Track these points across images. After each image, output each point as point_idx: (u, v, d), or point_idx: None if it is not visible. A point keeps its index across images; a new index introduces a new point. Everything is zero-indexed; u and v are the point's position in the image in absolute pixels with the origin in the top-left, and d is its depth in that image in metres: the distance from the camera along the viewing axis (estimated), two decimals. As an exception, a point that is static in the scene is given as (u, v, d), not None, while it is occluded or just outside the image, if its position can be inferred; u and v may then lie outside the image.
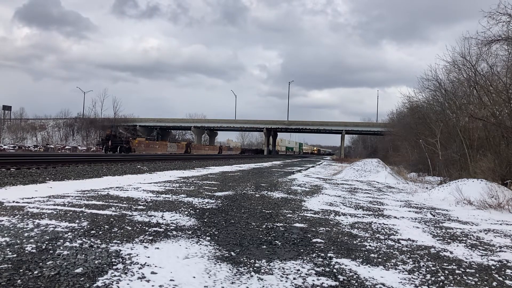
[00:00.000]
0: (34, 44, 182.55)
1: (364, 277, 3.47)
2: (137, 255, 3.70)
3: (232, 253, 3.98)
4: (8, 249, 3.58)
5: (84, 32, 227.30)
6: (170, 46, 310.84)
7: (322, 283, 3.24)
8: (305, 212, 7.09)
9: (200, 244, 4.27)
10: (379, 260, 4.08)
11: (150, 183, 10.75)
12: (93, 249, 3.78)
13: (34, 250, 3.59)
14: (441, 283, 3.43)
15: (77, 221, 4.99)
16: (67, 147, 53.61)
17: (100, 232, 4.46)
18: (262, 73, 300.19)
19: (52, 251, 3.60)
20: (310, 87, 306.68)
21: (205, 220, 5.67)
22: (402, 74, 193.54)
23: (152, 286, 2.97)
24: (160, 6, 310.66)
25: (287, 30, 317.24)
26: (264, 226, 5.50)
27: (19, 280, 2.86)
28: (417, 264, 3.99)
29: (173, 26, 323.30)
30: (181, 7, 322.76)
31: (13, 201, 6.27)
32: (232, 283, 3.13)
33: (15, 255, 3.41)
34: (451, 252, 4.60)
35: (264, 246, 4.33)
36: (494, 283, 3.51)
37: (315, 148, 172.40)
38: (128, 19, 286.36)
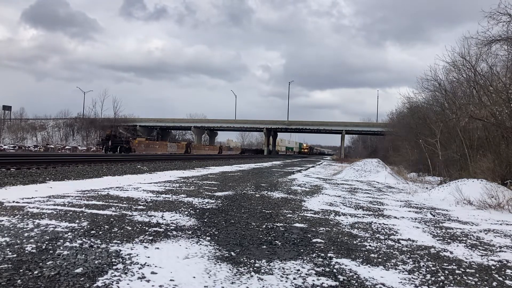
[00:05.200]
0: (39, 45, 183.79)
1: (364, 277, 3.47)
2: (137, 255, 3.70)
3: (232, 253, 3.98)
4: (8, 249, 3.58)
5: (90, 33, 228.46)
6: (173, 47, 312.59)
7: (322, 283, 3.24)
8: (305, 212, 7.09)
9: (200, 244, 4.27)
10: (379, 260, 4.08)
11: (150, 183, 10.75)
12: (93, 249, 3.78)
13: (34, 250, 3.59)
14: (441, 283, 3.43)
15: (77, 221, 4.99)
16: (67, 147, 53.60)
17: (100, 232, 4.46)
18: (265, 73, 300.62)
19: (52, 251, 3.60)
20: (312, 87, 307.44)
21: (205, 220, 5.67)
22: (404, 74, 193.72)
23: (152, 286, 2.97)
24: (167, 8, 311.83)
25: (290, 31, 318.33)
26: (264, 226, 5.50)
27: (19, 280, 2.86)
28: (417, 264, 3.99)
29: (178, 28, 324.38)
30: (188, 9, 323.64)
31: (13, 201, 6.27)
32: (232, 283, 3.13)
33: (15, 255, 3.41)
34: (451, 252, 4.60)
35: (264, 246, 4.33)
36: (494, 283, 3.51)
37: (305, 145, 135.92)
38: (135, 21, 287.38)
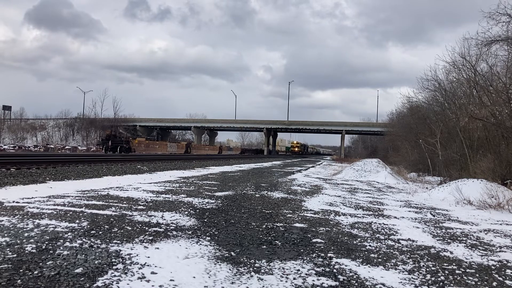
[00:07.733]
0: (42, 46, 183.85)
1: (364, 277, 3.47)
2: (137, 255, 3.70)
3: (232, 253, 3.98)
4: (8, 249, 3.58)
5: (93, 34, 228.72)
6: (176, 48, 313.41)
7: (322, 283, 3.24)
8: (305, 212, 7.09)
9: (200, 244, 4.27)
10: (379, 260, 4.08)
11: (150, 183, 10.75)
12: (93, 249, 3.78)
13: (34, 250, 3.59)
14: (441, 283, 3.43)
15: (77, 221, 4.99)
16: (67, 147, 53.58)
17: (100, 232, 4.46)
18: (266, 74, 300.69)
19: (52, 251, 3.60)
20: (314, 87, 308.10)
21: (205, 220, 5.67)
22: (406, 75, 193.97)
23: (152, 286, 2.97)
24: (171, 9, 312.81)
25: (292, 32, 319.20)
26: (264, 226, 5.50)
27: (19, 280, 2.86)
28: (417, 264, 3.99)
29: (182, 28, 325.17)
30: (191, 11, 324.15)
31: (13, 201, 6.26)
32: (232, 283, 3.13)
33: (15, 255, 3.41)
34: (451, 252, 4.60)
35: (264, 246, 4.33)
36: (494, 283, 3.51)
37: (295, 142, 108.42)
38: (139, 22, 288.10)
